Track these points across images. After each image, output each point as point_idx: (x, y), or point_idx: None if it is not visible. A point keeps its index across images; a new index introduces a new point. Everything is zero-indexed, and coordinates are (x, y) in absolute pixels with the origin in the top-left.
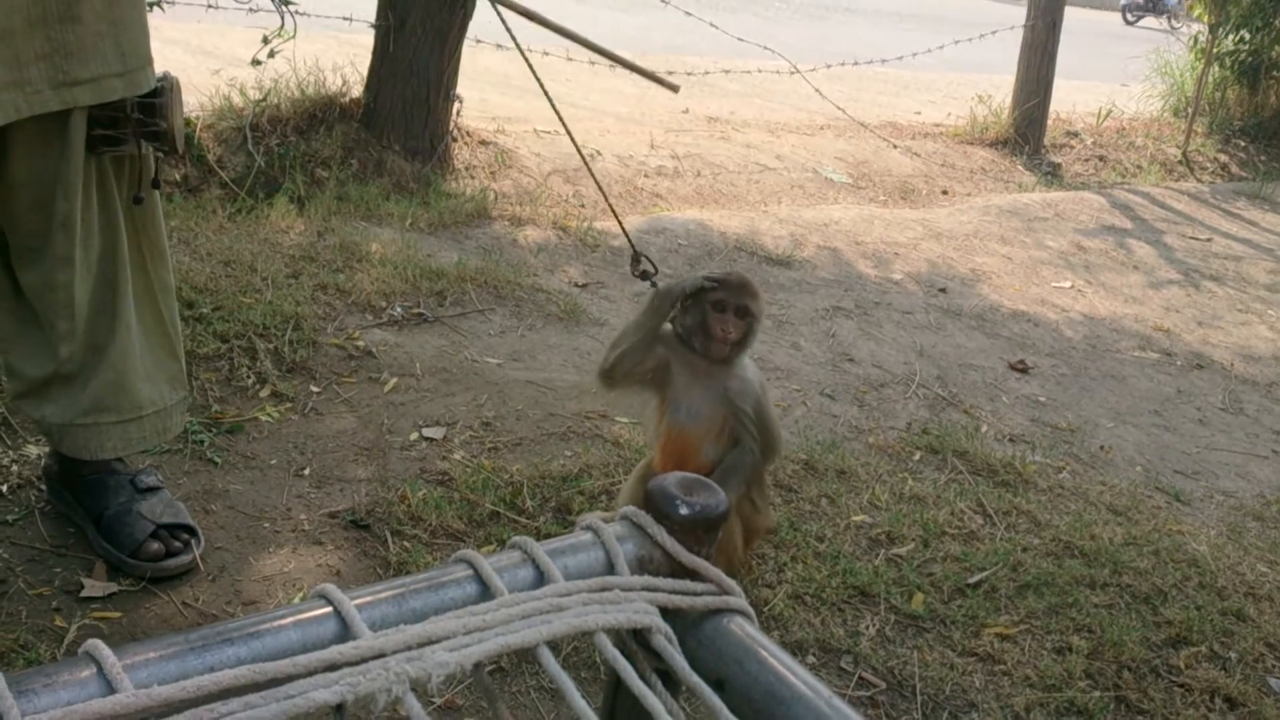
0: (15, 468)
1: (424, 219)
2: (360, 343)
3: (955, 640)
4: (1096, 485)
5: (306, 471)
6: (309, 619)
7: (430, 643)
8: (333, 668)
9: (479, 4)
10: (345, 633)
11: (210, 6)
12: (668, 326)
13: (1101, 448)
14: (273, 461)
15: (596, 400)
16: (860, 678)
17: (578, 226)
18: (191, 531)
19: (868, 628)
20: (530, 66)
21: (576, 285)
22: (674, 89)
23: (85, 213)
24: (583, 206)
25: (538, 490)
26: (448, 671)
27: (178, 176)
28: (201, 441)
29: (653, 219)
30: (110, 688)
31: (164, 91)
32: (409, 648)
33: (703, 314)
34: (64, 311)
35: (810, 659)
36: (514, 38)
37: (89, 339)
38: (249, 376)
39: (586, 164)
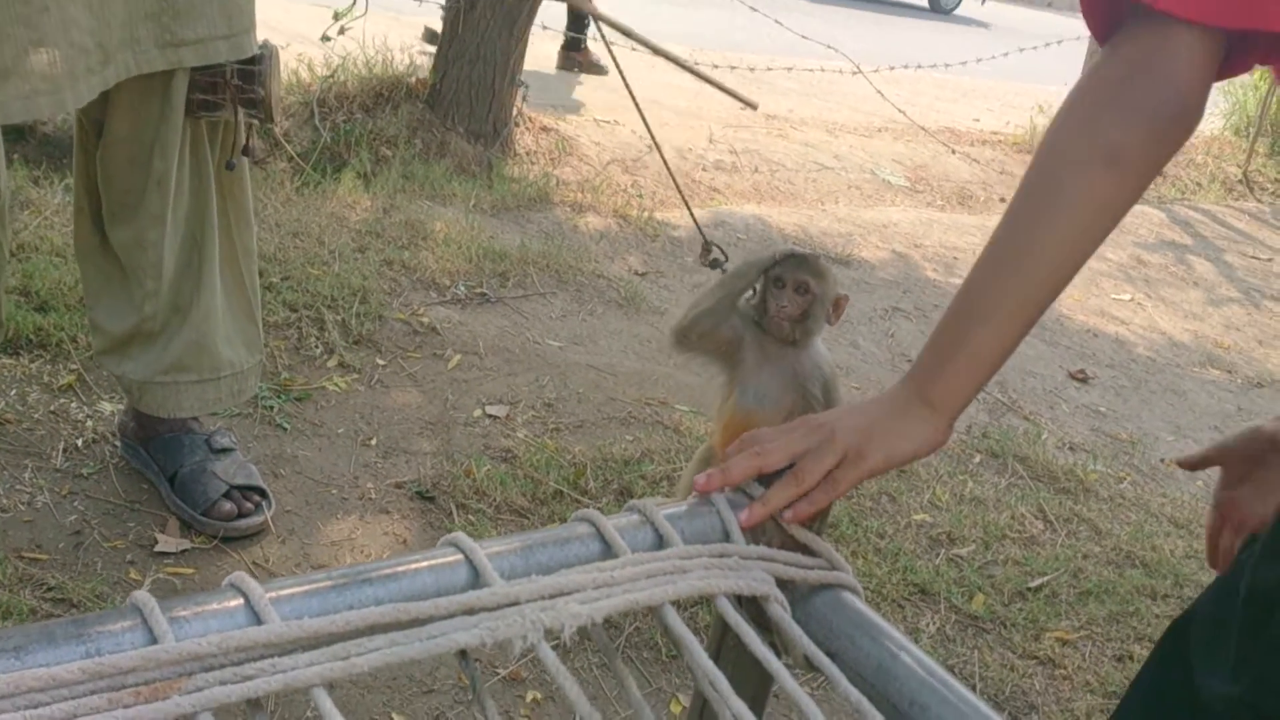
0: (90, 423)
1: (487, 201)
2: (425, 319)
3: (1016, 643)
4: (1158, 497)
5: (373, 442)
6: (442, 564)
7: (561, 594)
8: (470, 612)
9: None
10: (477, 580)
11: None
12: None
13: (1162, 460)
14: (340, 430)
15: (657, 387)
16: None
17: (638, 216)
18: (263, 494)
19: (928, 625)
20: (623, 76)
21: (636, 273)
22: (753, 106)
23: (178, 173)
24: (641, 196)
25: (600, 472)
26: (579, 623)
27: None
28: (271, 407)
29: (712, 212)
30: (257, 618)
31: (263, 59)
32: (542, 598)
33: (765, 290)
34: (151, 270)
35: None
36: (608, 46)
37: (173, 298)
38: (317, 346)
39: (665, 161)
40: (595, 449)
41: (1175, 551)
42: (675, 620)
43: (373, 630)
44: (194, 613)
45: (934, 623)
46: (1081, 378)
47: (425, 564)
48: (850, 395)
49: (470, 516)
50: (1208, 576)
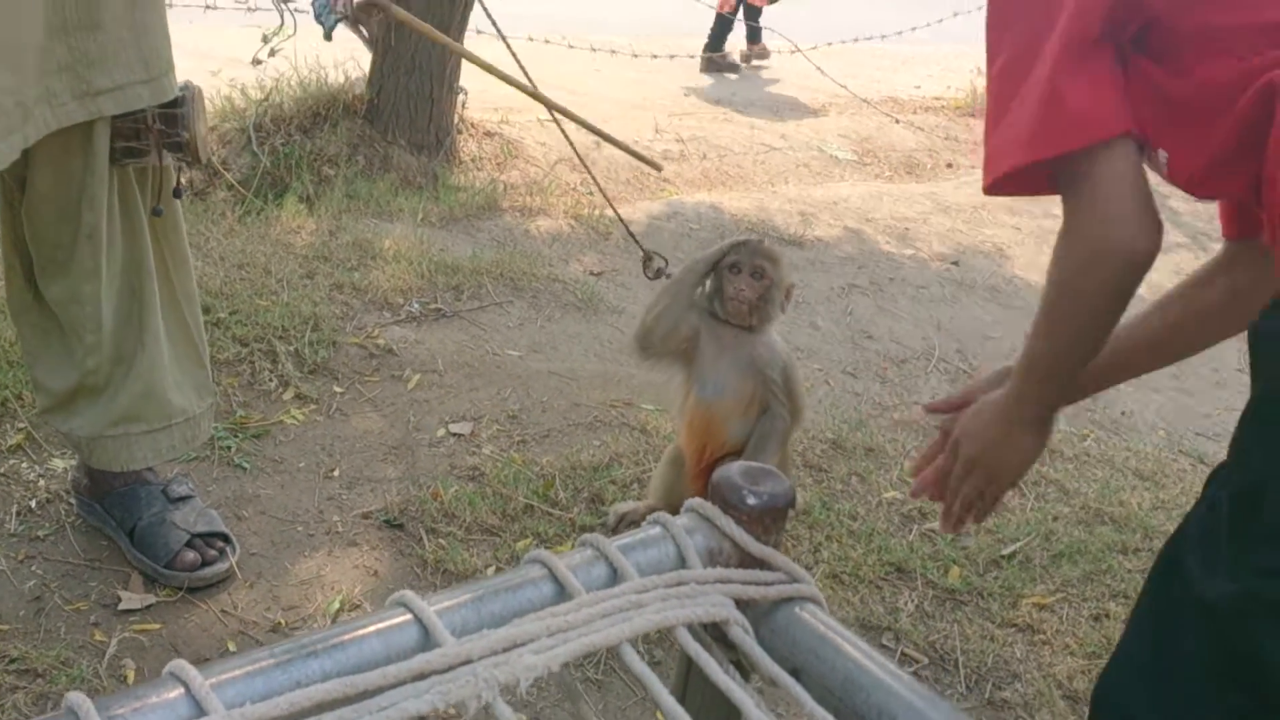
0: (42, 482)
1: (435, 213)
2: (380, 341)
3: (994, 612)
4: (1122, 451)
5: (336, 473)
6: (390, 628)
7: (515, 646)
8: (421, 676)
9: None
10: (427, 640)
11: (208, 7)
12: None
13: (1123, 413)
14: (301, 464)
15: (620, 388)
16: (902, 654)
17: (589, 215)
18: (226, 539)
19: (906, 604)
20: (516, 58)
21: (592, 274)
22: (657, 169)
23: (109, 224)
24: (591, 194)
25: (569, 481)
26: (536, 675)
27: (183, 180)
28: (228, 447)
29: (664, 203)
30: (200, 709)
31: (185, 101)
32: (494, 652)
33: (721, 278)
34: (90, 324)
35: None
36: (505, 41)
37: (115, 350)
38: (271, 380)
39: (578, 154)
40: (563, 458)
41: (1143, 505)
42: (634, 659)
43: (320, 709)
44: (132, 709)
45: (912, 600)
46: None
47: (372, 629)
48: (814, 378)
49: (440, 540)
50: (1176, 528)
